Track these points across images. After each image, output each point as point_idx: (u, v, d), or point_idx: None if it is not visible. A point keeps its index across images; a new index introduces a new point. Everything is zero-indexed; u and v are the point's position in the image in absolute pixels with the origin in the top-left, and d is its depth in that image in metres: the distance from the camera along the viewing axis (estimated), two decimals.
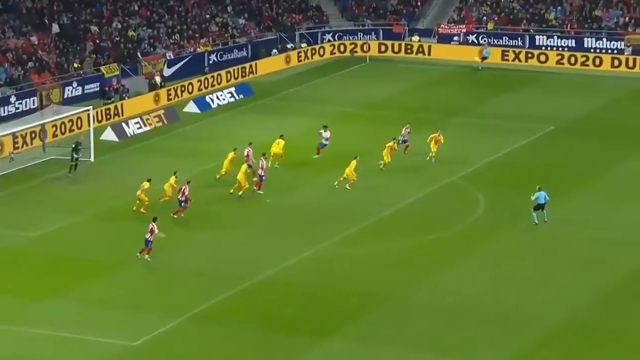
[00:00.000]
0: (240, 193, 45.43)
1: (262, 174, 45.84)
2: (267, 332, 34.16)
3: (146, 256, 38.87)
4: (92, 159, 51.73)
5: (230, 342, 33.67)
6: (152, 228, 38.75)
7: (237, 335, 34.07)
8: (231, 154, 47.57)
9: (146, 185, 43.58)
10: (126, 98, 60.82)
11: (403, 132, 50.90)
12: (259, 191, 45.81)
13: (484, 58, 69.69)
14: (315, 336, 33.88)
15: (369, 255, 40.16)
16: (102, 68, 62.23)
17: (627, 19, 71.75)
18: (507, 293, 36.73)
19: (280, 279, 38.15)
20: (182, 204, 43.16)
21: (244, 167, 45.63)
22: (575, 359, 32.59)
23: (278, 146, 49.39)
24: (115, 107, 59.17)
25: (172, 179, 44.17)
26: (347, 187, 46.04)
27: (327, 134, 50.68)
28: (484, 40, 72.33)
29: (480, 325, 34.39)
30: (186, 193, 43.01)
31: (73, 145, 49.37)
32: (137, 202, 43.60)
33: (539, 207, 41.83)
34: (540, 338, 33.54)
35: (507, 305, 35.82)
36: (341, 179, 46.08)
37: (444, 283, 37.62)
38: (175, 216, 43.15)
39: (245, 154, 47.74)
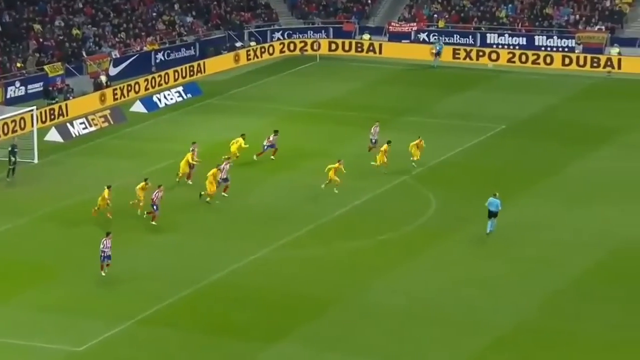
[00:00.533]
0: (208, 198, 44.47)
1: (226, 176, 44.94)
2: (215, 335, 33.67)
3: (102, 273, 37.68)
4: (35, 161, 50.85)
5: (178, 346, 33.15)
6: (104, 243, 37.39)
7: (184, 339, 33.53)
8: (189, 155, 46.71)
9: (106, 193, 42.39)
10: (71, 98, 59.85)
11: (372, 130, 50.30)
12: (223, 193, 44.90)
13: (437, 53, 69.40)
14: (264, 340, 33.39)
15: (319, 257, 39.66)
16: (45, 67, 61.17)
17: (577, 16, 71.91)
18: (458, 295, 36.39)
19: (229, 282, 37.56)
20: (155, 208, 42.15)
21: (214, 171, 44.57)
22: None
23: (235, 145, 48.70)
24: (60, 107, 58.22)
25: (142, 185, 42.95)
26: (335, 191, 45.11)
27: (272, 138, 49.90)
28: (435, 38, 72.08)
29: (431, 328, 34.06)
30: (155, 198, 41.95)
31: (9, 148, 48.26)
32: (105, 207, 42.34)
33: (490, 214, 40.75)
34: (491, 340, 33.26)
35: (459, 307, 35.49)
36: (328, 182, 45.15)
37: (395, 285, 37.20)
38: (154, 222, 42.17)
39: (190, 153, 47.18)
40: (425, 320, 34.53)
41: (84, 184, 47.65)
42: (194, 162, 46.76)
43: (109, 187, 42.60)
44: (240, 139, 49.12)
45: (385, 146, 47.84)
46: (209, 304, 35.97)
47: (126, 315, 34.69)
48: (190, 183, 46.53)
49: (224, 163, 45.47)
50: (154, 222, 42.27)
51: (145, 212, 42.59)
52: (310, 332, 33.88)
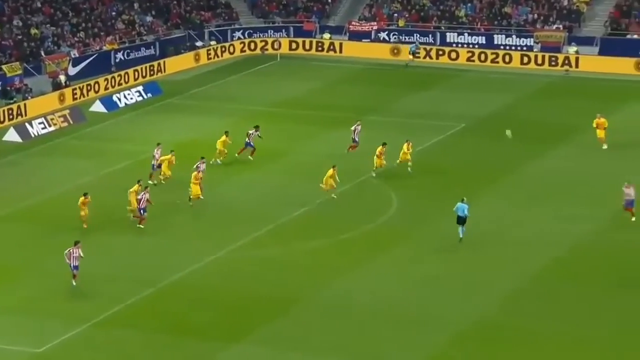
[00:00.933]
0: (191, 203, 44.00)
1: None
2: (175, 336, 33.62)
3: (73, 282, 36.93)
4: None
5: (137, 347, 33.07)
6: (70, 252, 36.42)
7: (144, 340, 33.44)
8: (168, 156, 46.23)
9: (82, 199, 41.51)
10: (29, 98, 59.43)
11: (355, 128, 50.17)
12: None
13: (411, 53, 69.57)
14: (225, 340, 33.37)
15: (279, 256, 39.65)
16: (3, 67, 60.71)
17: (535, 15, 72.43)
18: (418, 294, 36.53)
19: (188, 283, 37.48)
20: (142, 212, 41.70)
21: (194, 174, 44.12)
22: (486, 358, 32.41)
23: (220, 143, 48.65)
24: (18, 107, 57.86)
25: (135, 188, 42.27)
26: (333, 196, 44.48)
27: (253, 134, 49.73)
28: (395, 37, 72.39)
29: (392, 327, 34.17)
30: (142, 200, 41.42)
31: None
32: (85, 215, 41.53)
33: (459, 220, 40.03)
34: (452, 338, 33.44)
35: (419, 306, 35.64)
36: (327, 188, 44.42)
37: (355, 284, 37.26)
38: (141, 226, 41.69)
39: (154, 154, 46.82)
40: (387, 319, 34.60)
41: (43, 184, 47.41)
42: (158, 163, 46.50)
43: (85, 195, 41.55)
44: (224, 136, 48.81)
45: (380, 148, 47.31)
46: (169, 304, 35.86)
47: (87, 317, 34.53)
48: (151, 183, 46.29)
49: (200, 162, 45.12)
50: (141, 226, 41.66)
51: (132, 215, 42.06)
52: (271, 332, 33.88)
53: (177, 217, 43.59)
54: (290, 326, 34.29)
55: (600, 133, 50.99)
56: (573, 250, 40.07)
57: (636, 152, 51.36)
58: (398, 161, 48.07)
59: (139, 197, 41.70)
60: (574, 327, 34.12)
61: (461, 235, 40.12)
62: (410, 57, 69.51)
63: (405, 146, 48.02)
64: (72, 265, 36.48)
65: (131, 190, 42.38)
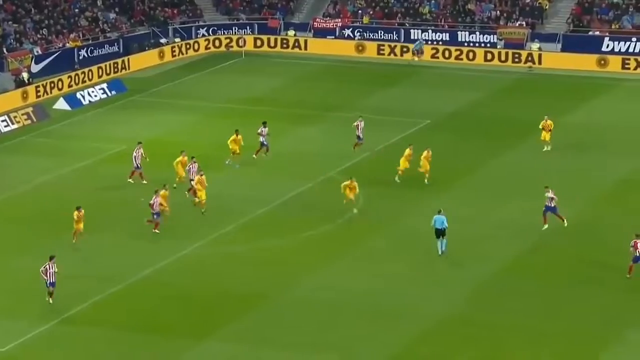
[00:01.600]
0: (203, 209, 43.05)
1: (192, 177, 43.86)
2: (143, 333, 33.55)
3: (50, 300, 35.70)
4: None
5: (104, 346, 32.95)
6: (46, 268, 35.18)
7: (111, 338, 33.34)
8: (180, 158, 45.38)
9: (76, 213, 39.81)
10: None
11: (358, 125, 49.79)
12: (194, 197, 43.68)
13: (415, 51, 69.49)
14: (192, 337, 33.30)
15: (247, 253, 39.64)
16: None
17: (498, 12, 72.85)
18: (384, 290, 36.66)
19: (155, 280, 37.43)
20: (155, 216, 40.83)
21: (198, 178, 43.33)
22: (452, 353, 32.68)
23: (233, 143, 47.94)
24: None
25: (163, 192, 41.37)
26: (356, 209, 43.24)
27: (263, 131, 49.20)
28: (358, 34, 72.49)
29: (359, 323, 34.29)
30: (154, 204, 40.50)
31: None
32: (78, 232, 40.14)
33: (438, 233, 39.03)
34: (418, 334, 33.62)
35: (385, 302, 35.76)
36: (347, 201, 43.08)
37: (322, 281, 37.35)
38: (157, 230, 40.84)
39: (134, 154, 45.98)
40: (355, 315, 34.68)
41: (7, 182, 47.09)
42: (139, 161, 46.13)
43: (78, 209, 39.91)
44: (234, 135, 48.18)
45: (408, 150, 46.10)
46: (136, 301, 35.75)
47: (52, 315, 34.36)
48: (145, 182, 45.74)
49: (191, 164, 44.61)
50: (156, 230, 40.82)
51: (146, 220, 41.14)
52: (240, 329, 33.86)
53: (142, 214, 43.32)
54: (259, 322, 34.30)
55: (545, 135, 51.06)
56: (536, 246, 40.32)
57: (598, 149, 51.83)
58: (423, 171, 46.29)
59: (152, 201, 40.62)
60: (537, 321, 34.41)
61: (444, 249, 38.99)
62: (414, 56, 69.16)
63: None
64: (48, 282, 35.18)
65: (160, 194, 41.26)
